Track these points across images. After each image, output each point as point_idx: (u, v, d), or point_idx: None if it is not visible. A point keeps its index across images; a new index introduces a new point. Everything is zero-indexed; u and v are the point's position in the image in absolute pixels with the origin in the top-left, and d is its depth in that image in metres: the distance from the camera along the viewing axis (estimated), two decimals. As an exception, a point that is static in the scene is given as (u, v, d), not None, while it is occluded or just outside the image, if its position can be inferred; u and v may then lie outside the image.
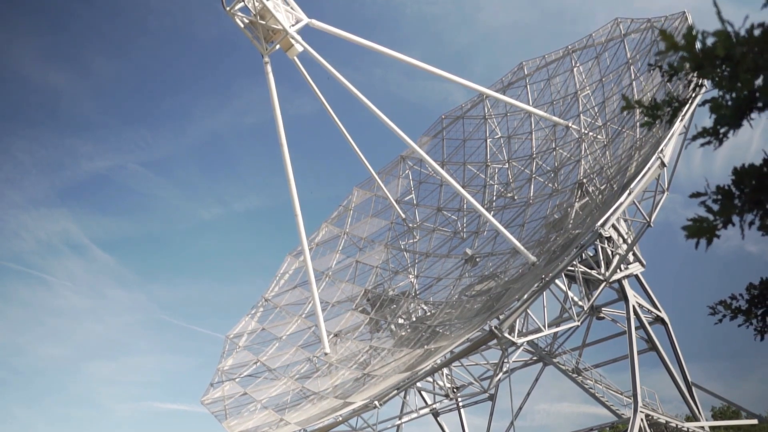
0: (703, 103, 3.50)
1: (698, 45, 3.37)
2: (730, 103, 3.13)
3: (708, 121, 3.65)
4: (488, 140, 37.54)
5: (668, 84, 24.24)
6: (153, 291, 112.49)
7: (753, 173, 3.34)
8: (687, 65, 3.40)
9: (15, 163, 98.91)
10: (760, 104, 3.14)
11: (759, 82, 3.09)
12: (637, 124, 26.72)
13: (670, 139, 20.80)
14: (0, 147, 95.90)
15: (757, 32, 3.05)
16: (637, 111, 3.84)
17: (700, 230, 3.40)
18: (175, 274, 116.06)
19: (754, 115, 3.24)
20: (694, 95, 3.76)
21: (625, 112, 29.20)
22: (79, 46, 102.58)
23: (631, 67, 29.38)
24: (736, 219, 3.39)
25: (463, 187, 36.50)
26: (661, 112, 3.63)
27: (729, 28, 3.13)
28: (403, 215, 38.11)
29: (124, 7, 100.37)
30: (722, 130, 3.30)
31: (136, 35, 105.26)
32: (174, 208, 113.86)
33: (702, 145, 3.35)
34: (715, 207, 3.43)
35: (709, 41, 3.27)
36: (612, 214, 20.47)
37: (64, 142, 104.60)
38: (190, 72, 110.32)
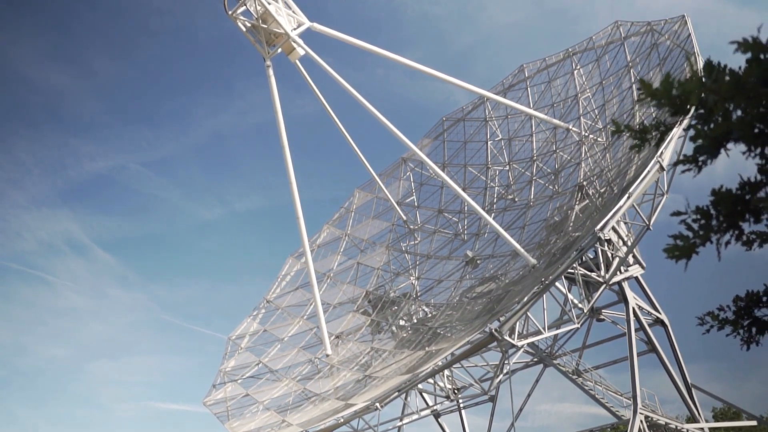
0: (688, 127, 3.69)
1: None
2: (707, 134, 3.34)
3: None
4: (489, 142, 37.71)
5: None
6: (154, 291, 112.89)
7: (729, 198, 3.52)
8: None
9: (17, 163, 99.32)
10: (735, 136, 3.34)
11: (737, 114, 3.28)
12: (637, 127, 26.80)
13: (669, 142, 20.95)
14: (2, 147, 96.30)
15: (727, 78, 3.24)
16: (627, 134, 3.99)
17: (680, 249, 3.59)
18: (176, 274, 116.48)
19: (730, 145, 3.43)
20: (680, 121, 3.93)
21: (624, 115, 29.42)
22: (81, 46, 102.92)
23: (631, 70, 29.54)
24: (713, 237, 3.58)
25: (464, 189, 36.70)
26: (649, 136, 3.81)
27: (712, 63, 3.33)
28: (405, 217, 38.29)
29: (126, 7, 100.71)
30: (701, 158, 3.49)
31: (139, 35, 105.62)
32: (176, 208, 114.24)
33: (683, 171, 3.53)
34: (695, 226, 3.61)
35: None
36: (611, 218, 20.62)
37: (66, 142, 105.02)
38: (192, 72, 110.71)
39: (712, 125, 3.34)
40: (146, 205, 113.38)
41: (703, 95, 3.27)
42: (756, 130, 3.31)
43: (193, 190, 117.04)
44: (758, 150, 3.47)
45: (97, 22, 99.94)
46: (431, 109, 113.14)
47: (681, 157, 3.58)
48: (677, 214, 3.67)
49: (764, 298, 4.65)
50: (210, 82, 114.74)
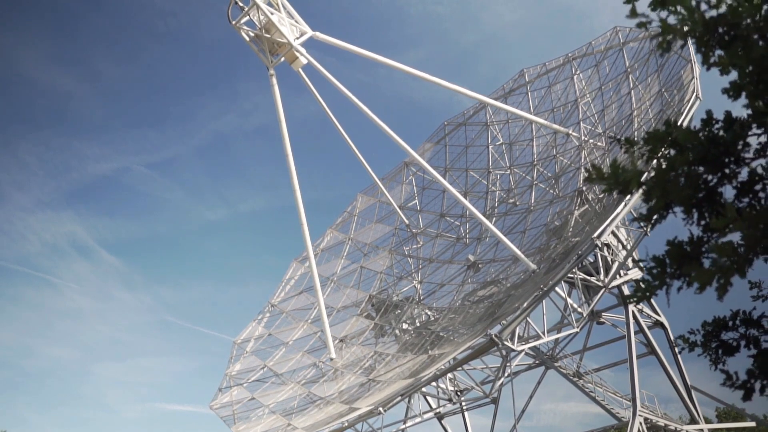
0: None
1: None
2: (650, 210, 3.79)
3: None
4: (490, 147, 38.11)
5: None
6: (159, 293, 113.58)
7: (679, 252, 3.95)
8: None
9: (22, 165, 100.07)
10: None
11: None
12: (635, 134, 27.21)
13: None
14: (7, 150, 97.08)
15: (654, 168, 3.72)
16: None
17: (642, 291, 4.05)
18: (181, 275, 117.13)
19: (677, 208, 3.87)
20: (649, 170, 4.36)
21: (623, 121, 29.79)
22: (86, 48, 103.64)
23: (630, 76, 29.92)
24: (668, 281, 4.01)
25: (465, 193, 37.14)
26: (617, 182, 4.22)
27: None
28: (407, 221, 38.72)
29: (130, 10, 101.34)
30: (654, 218, 3.93)
31: (143, 38, 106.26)
32: (180, 210, 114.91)
33: (637, 228, 3.95)
34: (654, 272, 4.05)
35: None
36: (609, 224, 21.02)
37: (70, 144, 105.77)
38: (196, 74, 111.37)
39: (654, 201, 3.83)
40: (151, 207, 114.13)
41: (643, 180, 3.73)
42: (693, 200, 3.76)
43: (198, 192, 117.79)
44: (694, 217, 3.93)
45: (101, 25, 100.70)
46: (435, 109, 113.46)
47: (636, 215, 4.01)
48: (638, 261, 4.10)
49: (730, 323, 5.09)
50: (214, 84, 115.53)
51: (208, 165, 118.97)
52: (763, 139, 3.56)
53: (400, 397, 22.90)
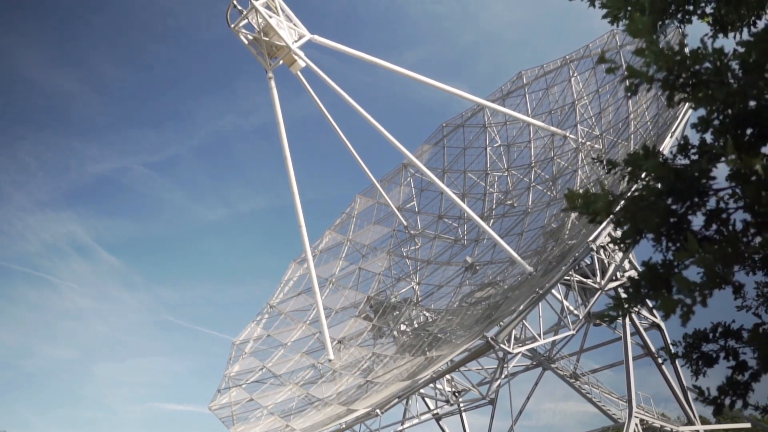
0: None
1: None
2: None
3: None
4: (488, 148, 38.28)
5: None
6: (159, 292, 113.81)
7: (653, 275, 4.12)
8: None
9: (21, 165, 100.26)
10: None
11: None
12: (631, 137, 27.42)
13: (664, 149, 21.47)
14: (6, 150, 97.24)
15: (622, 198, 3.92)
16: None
17: (610, 316, 4.27)
18: (180, 275, 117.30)
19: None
20: (630, 188, 4.54)
21: (620, 124, 29.97)
22: (86, 49, 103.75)
23: (627, 79, 30.03)
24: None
25: (463, 194, 37.32)
26: (597, 207, 4.40)
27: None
28: (405, 222, 38.89)
29: (130, 10, 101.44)
30: (627, 241, 4.15)
31: (142, 38, 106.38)
32: (179, 210, 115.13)
33: (613, 250, 4.10)
34: (630, 291, 4.23)
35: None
36: (605, 227, 21.16)
37: (70, 144, 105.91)
38: (195, 73, 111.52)
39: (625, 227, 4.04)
40: (150, 207, 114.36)
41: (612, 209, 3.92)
42: (662, 228, 3.94)
43: (197, 192, 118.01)
44: (663, 244, 4.10)
45: (101, 25, 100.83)
46: (435, 108, 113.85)
47: (611, 237, 4.21)
48: (614, 279, 4.28)
49: (710, 335, 5.26)
50: (214, 84, 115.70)
51: (207, 165, 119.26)
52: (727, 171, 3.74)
53: (397, 399, 23.06)
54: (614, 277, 26.42)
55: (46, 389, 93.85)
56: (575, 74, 34.71)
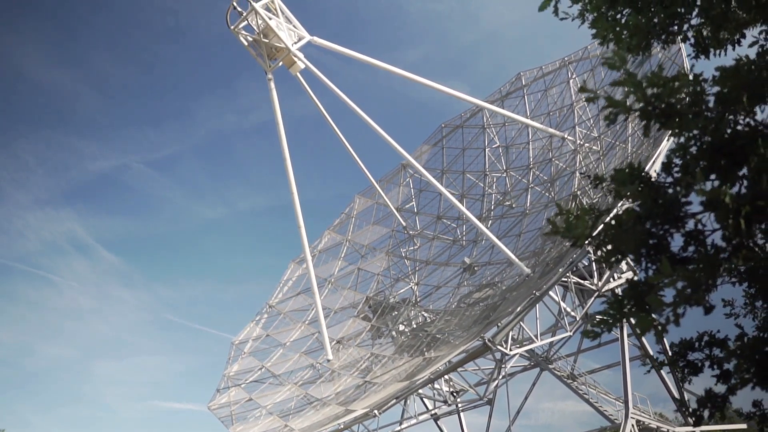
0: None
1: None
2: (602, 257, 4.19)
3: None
4: (487, 149, 38.43)
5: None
6: (158, 291, 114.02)
7: (635, 292, 4.29)
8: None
9: (20, 163, 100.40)
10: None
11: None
12: (629, 139, 27.55)
13: (657, 158, 21.62)
14: (6, 148, 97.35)
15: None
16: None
17: (594, 333, 4.45)
18: (180, 273, 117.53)
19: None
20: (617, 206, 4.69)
21: (618, 126, 30.11)
22: (86, 48, 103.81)
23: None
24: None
25: (462, 195, 37.47)
26: (577, 232, 4.55)
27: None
28: (404, 223, 39.04)
29: (129, 8, 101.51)
30: (611, 260, 4.31)
31: (142, 37, 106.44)
32: (179, 208, 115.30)
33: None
34: (614, 307, 4.39)
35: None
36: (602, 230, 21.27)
37: (69, 142, 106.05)
38: (195, 72, 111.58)
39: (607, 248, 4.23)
40: (150, 205, 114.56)
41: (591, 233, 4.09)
42: (642, 249, 4.11)
43: (197, 190, 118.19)
44: (643, 264, 4.27)
45: (101, 24, 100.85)
46: (435, 107, 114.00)
47: (599, 258, 4.37)
48: (601, 295, 4.44)
49: (696, 344, 5.43)
50: (213, 83, 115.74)
51: (207, 163, 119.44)
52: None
53: (395, 400, 23.22)
54: (611, 279, 26.60)
55: (46, 388, 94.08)
56: (574, 76, 34.84)
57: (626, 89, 4.24)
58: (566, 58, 35.88)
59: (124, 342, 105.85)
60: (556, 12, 5.93)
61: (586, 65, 34.43)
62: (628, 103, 4.36)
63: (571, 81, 34.70)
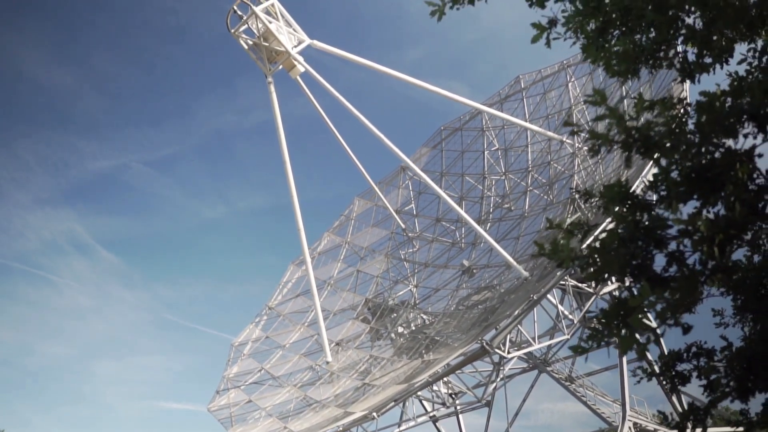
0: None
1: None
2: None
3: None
4: (486, 152, 38.58)
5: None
6: (158, 290, 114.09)
7: (622, 309, 4.44)
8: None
9: (20, 162, 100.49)
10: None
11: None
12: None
13: (647, 171, 21.72)
14: (5, 147, 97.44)
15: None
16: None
17: (583, 348, 4.61)
18: (179, 273, 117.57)
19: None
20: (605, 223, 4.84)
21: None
22: (85, 47, 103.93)
23: (623, 85, 30.33)
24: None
25: (461, 198, 37.62)
26: (562, 255, 4.70)
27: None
28: (403, 225, 39.17)
29: (129, 7, 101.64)
30: (597, 279, 4.43)
31: (142, 36, 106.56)
32: (178, 207, 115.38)
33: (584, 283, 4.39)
34: (602, 322, 4.55)
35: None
36: (600, 233, 21.40)
37: (69, 142, 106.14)
38: (194, 71, 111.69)
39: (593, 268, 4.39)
40: (149, 205, 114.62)
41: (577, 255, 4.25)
42: (626, 270, 4.27)
43: (196, 189, 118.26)
44: (627, 284, 4.43)
45: (101, 24, 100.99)
46: (435, 107, 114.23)
47: (584, 275, 4.51)
48: (589, 311, 4.59)
49: (684, 355, 5.57)
50: (213, 82, 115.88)
51: (207, 163, 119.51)
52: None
53: (393, 402, 23.35)
54: (609, 282, 26.75)
55: (46, 388, 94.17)
56: (572, 79, 34.99)
57: (608, 121, 4.40)
58: (565, 62, 36.02)
59: (124, 342, 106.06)
60: (548, 44, 6.06)
61: (584, 68, 34.57)
62: (610, 136, 4.53)
63: (569, 84, 34.85)
